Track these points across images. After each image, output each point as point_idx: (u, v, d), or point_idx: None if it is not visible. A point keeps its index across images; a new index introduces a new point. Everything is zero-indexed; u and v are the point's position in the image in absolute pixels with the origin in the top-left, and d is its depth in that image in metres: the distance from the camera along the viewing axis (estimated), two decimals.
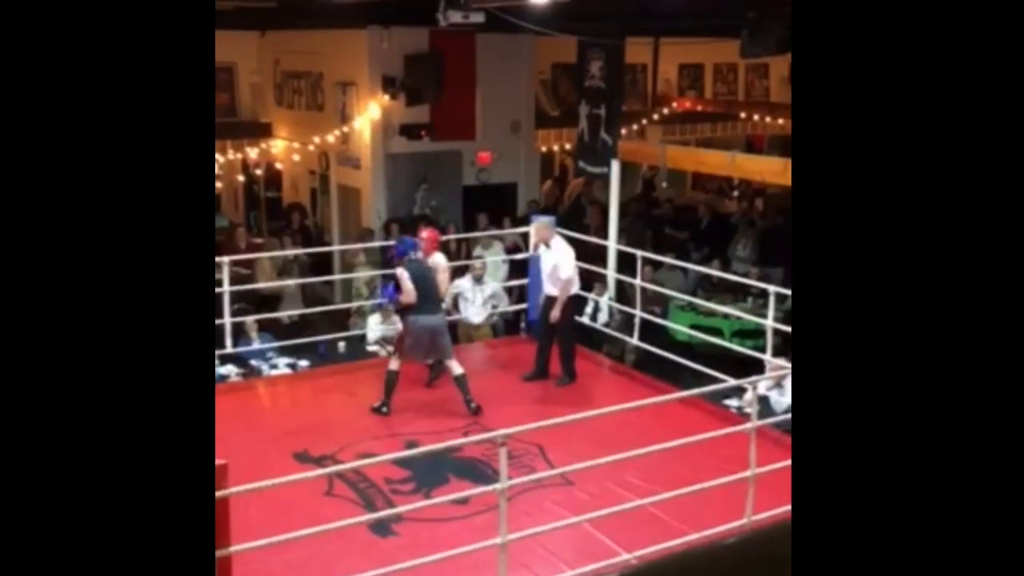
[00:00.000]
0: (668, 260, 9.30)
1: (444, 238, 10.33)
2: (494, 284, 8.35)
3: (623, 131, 10.08)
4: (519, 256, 9.29)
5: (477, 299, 8.04)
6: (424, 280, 6.55)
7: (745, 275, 8.95)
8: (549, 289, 7.16)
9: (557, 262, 7.03)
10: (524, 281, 8.56)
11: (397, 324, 8.29)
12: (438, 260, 7.02)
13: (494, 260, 9.52)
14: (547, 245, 7.15)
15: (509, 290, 9.03)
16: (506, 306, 8.62)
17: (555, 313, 7.00)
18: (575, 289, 7.20)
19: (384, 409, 6.55)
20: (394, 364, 6.62)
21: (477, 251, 9.94)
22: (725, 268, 9.93)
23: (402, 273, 6.50)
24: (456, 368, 6.58)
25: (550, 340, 7.23)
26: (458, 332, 8.30)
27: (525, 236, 8.67)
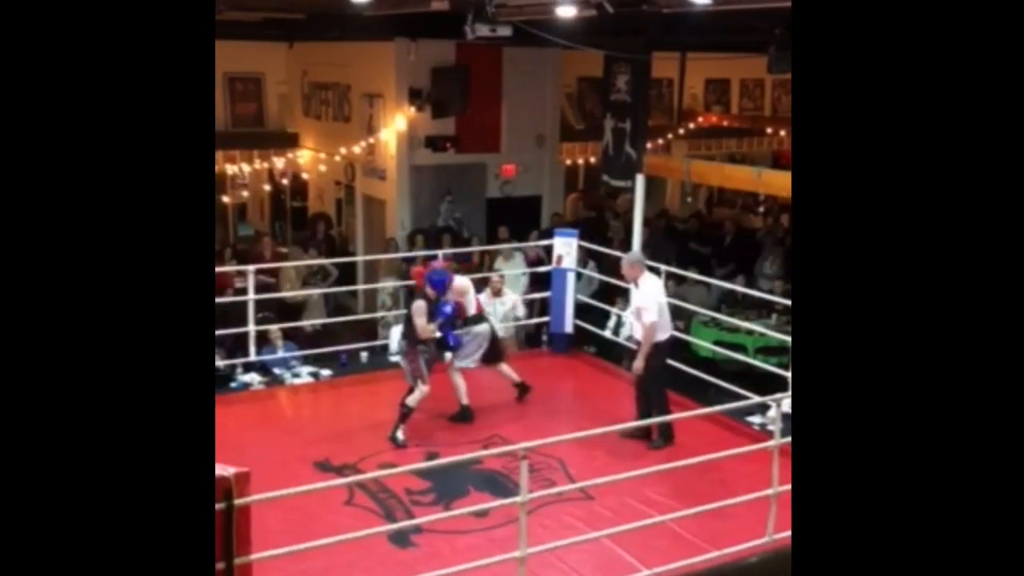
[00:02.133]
0: (692, 275, 9.26)
1: (467, 250, 10.38)
2: (513, 296, 8.32)
3: (648, 145, 10.07)
4: (542, 269, 9.29)
5: (498, 312, 8.03)
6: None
7: (770, 292, 8.89)
8: (637, 333, 6.40)
9: (641, 304, 6.22)
10: (546, 294, 8.55)
11: None
12: (461, 282, 6.88)
13: (514, 273, 9.52)
14: (635, 284, 6.33)
15: (530, 303, 9.03)
16: (525, 317, 8.61)
17: (637, 363, 6.23)
18: (662, 336, 6.27)
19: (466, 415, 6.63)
20: (423, 388, 6.54)
21: (498, 263, 9.95)
22: (750, 284, 9.86)
23: (417, 308, 6.46)
24: (423, 389, 6.46)
25: (642, 394, 6.40)
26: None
27: (548, 249, 8.66)
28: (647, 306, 6.15)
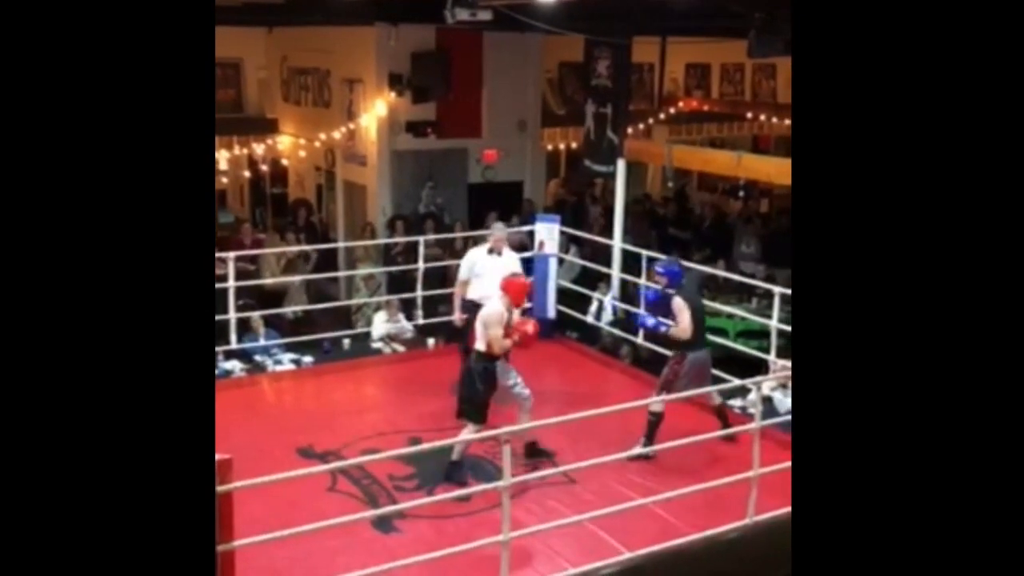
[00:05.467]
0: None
1: (450, 236, 10.36)
2: (512, 255, 8.19)
3: (629, 130, 10.07)
4: (526, 255, 9.28)
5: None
6: (700, 312, 6.00)
7: (752, 275, 8.94)
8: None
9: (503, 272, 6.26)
10: (529, 280, 8.55)
11: (402, 322, 8.31)
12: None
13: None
14: (499, 253, 6.80)
15: None
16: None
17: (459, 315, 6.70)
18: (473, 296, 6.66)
19: (649, 454, 5.71)
20: (658, 406, 5.78)
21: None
22: (730, 268, 9.91)
23: (680, 305, 5.84)
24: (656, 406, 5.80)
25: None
26: None
27: (531, 235, 8.66)
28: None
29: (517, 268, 6.78)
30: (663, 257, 8.95)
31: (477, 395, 5.40)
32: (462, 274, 6.97)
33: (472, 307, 6.93)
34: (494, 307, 5.56)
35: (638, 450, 5.67)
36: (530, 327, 5.66)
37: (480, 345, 5.48)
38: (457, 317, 6.93)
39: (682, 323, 5.84)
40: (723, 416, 6.04)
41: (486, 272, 6.83)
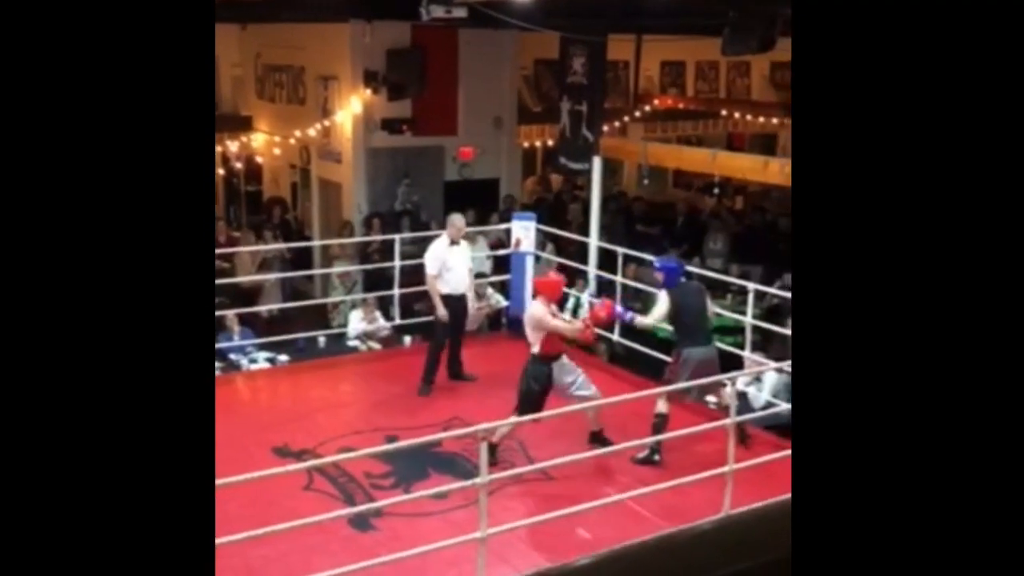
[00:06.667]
0: (648, 257, 9.32)
1: (427, 234, 10.33)
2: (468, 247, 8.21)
3: (604, 128, 10.10)
4: (502, 252, 9.29)
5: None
6: (694, 310, 5.93)
7: (724, 271, 9.00)
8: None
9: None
10: (506, 277, 8.56)
11: (379, 320, 8.29)
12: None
13: (479, 257, 9.50)
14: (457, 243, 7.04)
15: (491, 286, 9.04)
16: (496, 302, 8.61)
17: (441, 312, 6.94)
18: (444, 290, 6.93)
19: (656, 458, 5.73)
20: (663, 407, 5.76)
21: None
22: (703, 265, 9.98)
23: (662, 297, 5.89)
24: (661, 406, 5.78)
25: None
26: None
27: (508, 232, 8.67)
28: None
29: (469, 257, 7.23)
30: (637, 254, 9.03)
31: (532, 394, 5.59)
32: (432, 269, 6.98)
33: (454, 301, 6.95)
34: (536, 308, 5.70)
35: (644, 454, 5.69)
36: (603, 312, 5.91)
37: (535, 348, 5.64)
38: (442, 313, 6.95)
39: (654, 313, 5.87)
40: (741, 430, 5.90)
41: (456, 265, 6.95)
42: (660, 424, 5.74)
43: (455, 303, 7.01)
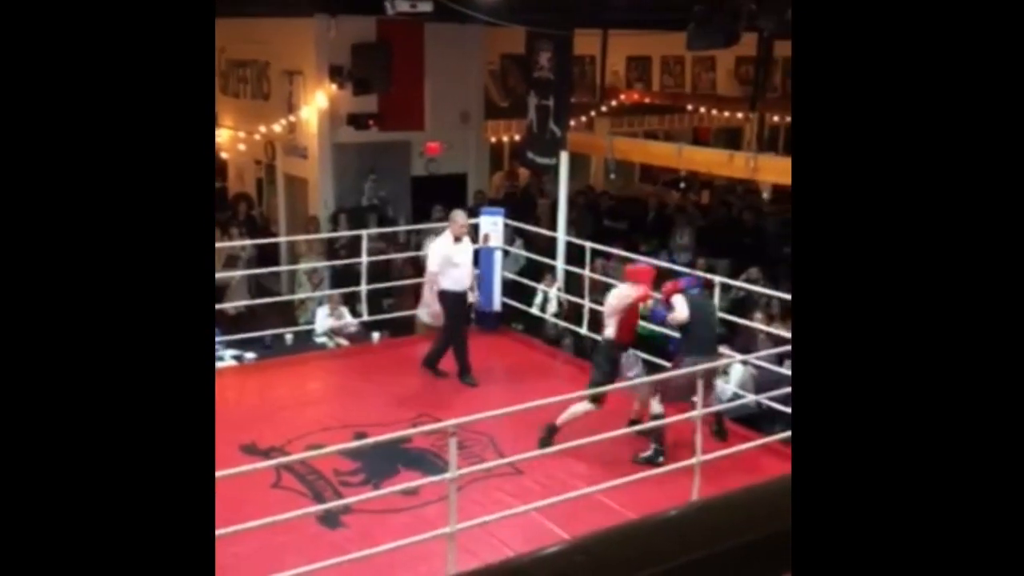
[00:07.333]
0: (617, 251, 9.38)
1: (395, 229, 10.28)
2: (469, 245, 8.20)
3: (571, 123, 10.12)
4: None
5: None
6: (705, 320, 6.00)
7: (688, 265, 9.07)
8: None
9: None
10: (475, 272, 8.55)
11: (346, 316, 8.25)
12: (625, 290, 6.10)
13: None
14: (460, 240, 7.12)
15: None
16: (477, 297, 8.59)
17: (434, 308, 7.07)
18: (446, 285, 7.05)
19: (660, 459, 5.67)
20: (657, 408, 5.79)
21: (427, 243, 9.89)
22: (670, 260, 10.05)
23: (679, 298, 5.94)
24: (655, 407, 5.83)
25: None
26: (416, 326, 8.29)
27: (476, 228, 8.66)
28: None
29: (472, 253, 7.25)
30: (606, 249, 9.08)
31: (604, 378, 5.79)
32: (434, 266, 7.02)
33: (454, 297, 6.96)
34: (624, 289, 5.94)
35: (647, 454, 5.71)
36: (672, 287, 6.09)
37: (608, 331, 5.87)
38: (434, 311, 6.96)
39: (679, 311, 5.93)
40: (719, 422, 6.07)
41: (462, 262, 7.03)
42: (659, 425, 5.73)
43: (459, 299, 7.05)
